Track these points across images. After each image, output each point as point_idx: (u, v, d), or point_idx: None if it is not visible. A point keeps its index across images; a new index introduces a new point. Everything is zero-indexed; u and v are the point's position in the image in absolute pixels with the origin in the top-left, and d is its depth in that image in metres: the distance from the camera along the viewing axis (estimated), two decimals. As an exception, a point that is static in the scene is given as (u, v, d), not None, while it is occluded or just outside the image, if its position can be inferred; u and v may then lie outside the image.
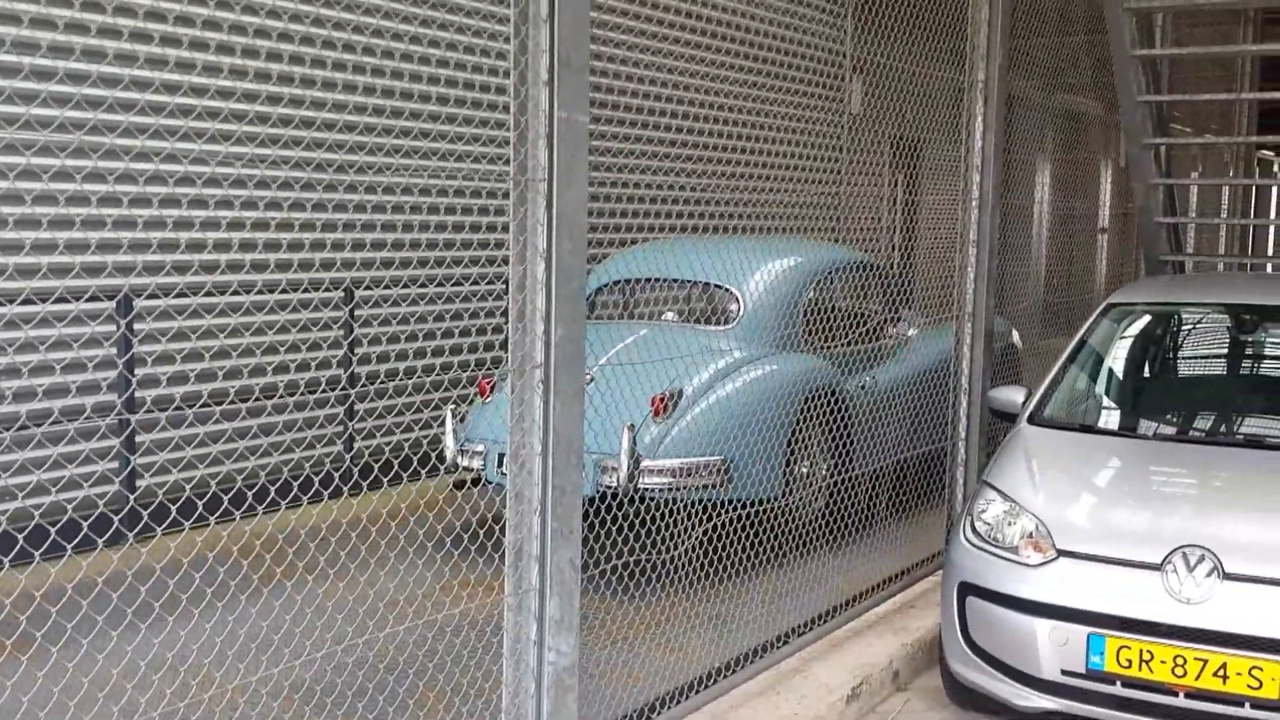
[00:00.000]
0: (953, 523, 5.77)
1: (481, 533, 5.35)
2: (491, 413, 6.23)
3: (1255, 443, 4.97)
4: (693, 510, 5.54)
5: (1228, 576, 3.92)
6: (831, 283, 7.34)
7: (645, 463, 5.78)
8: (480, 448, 6.19)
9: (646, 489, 5.75)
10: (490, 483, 6.18)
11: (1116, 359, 5.61)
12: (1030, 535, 4.31)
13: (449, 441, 6.22)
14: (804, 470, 6.42)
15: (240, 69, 6.91)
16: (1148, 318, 5.81)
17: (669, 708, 4.15)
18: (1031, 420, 5.11)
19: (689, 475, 5.90)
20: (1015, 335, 8.61)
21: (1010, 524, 4.39)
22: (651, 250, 7.58)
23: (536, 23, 3.14)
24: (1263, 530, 4.20)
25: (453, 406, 6.47)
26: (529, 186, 3.20)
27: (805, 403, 6.38)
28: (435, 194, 8.25)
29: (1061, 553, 4.21)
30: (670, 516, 5.14)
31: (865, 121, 11.54)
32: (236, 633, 4.38)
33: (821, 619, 5.12)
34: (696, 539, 5.40)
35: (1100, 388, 5.52)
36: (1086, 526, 4.37)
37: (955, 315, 6.06)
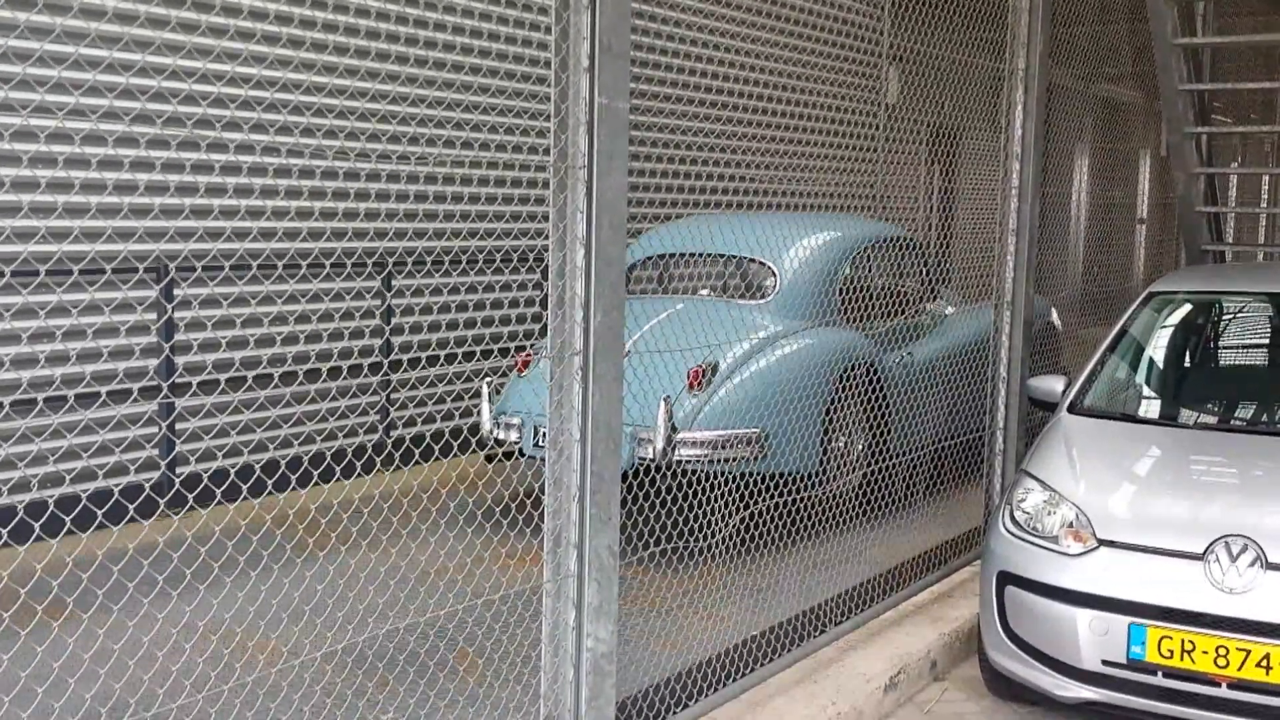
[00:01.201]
0: (991, 512, 5.75)
1: (521, 513, 5.37)
2: (528, 386, 6.27)
3: (1299, 433, 4.93)
4: (730, 489, 5.53)
5: (1271, 566, 3.89)
6: (868, 257, 7.31)
7: (681, 435, 5.80)
8: (517, 420, 6.23)
9: (682, 461, 5.76)
10: (527, 455, 6.22)
11: (1158, 348, 5.56)
12: (1070, 524, 4.29)
13: (485, 414, 6.27)
14: (840, 445, 6.41)
15: (286, 59, 6.97)
16: (1189, 306, 5.76)
17: (705, 695, 4.16)
18: (1071, 409, 5.08)
19: (725, 447, 5.92)
20: (1055, 315, 8.53)
21: (1050, 513, 4.37)
22: (688, 225, 7.59)
23: (578, 9, 3.15)
24: (1306, 520, 4.16)
25: (489, 380, 6.51)
26: (569, 173, 3.21)
27: (842, 377, 6.37)
28: (476, 183, 8.28)
29: (1102, 542, 4.19)
30: (708, 498, 5.14)
31: (902, 110, 11.49)
32: (278, 613, 4.42)
33: (857, 600, 5.11)
34: (735, 526, 5.41)
35: (1141, 377, 5.48)
36: (1127, 516, 4.34)
37: (994, 304, 6.04)
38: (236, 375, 6.59)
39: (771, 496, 5.53)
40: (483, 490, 4.80)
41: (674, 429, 5.71)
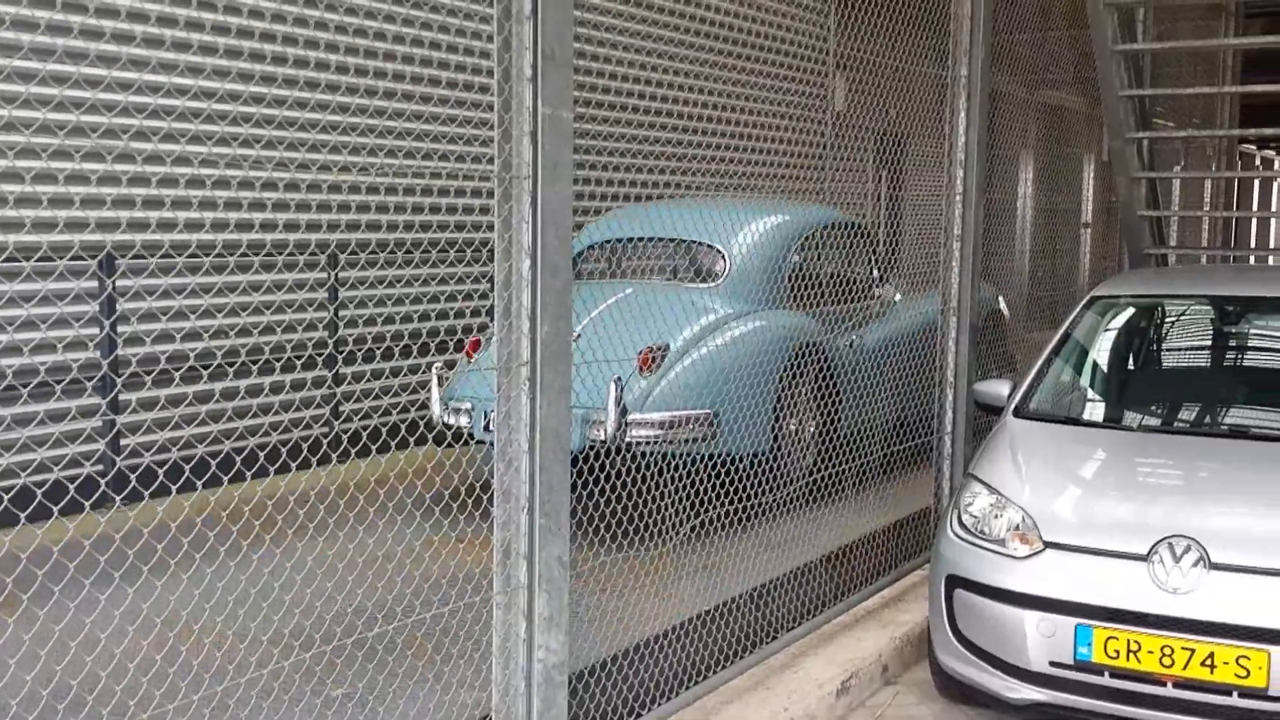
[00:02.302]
0: (940, 516, 5.78)
1: (456, 502, 5.34)
2: (477, 372, 6.26)
3: (1240, 433, 5.00)
4: (683, 472, 5.51)
5: (1214, 566, 3.94)
6: (818, 242, 7.35)
7: (632, 416, 5.79)
8: (467, 405, 6.22)
9: (634, 442, 5.76)
10: (477, 440, 6.20)
11: (1101, 351, 5.63)
12: (1017, 527, 4.32)
13: (435, 400, 6.24)
14: (792, 427, 6.44)
15: (223, 69, 6.90)
16: (1132, 310, 5.83)
17: (659, 704, 4.15)
18: (1017, 413, 5.12)
19: (676, 428, 5.93)
20: (1002, 303, 8.58)
21: (997, 516, 4.40)
22: (637, 210, 7.62)
23: (519, 19, 3.13)
24: (1249, 520, 4.22)
25: (439, 366, 6.49)
26: (513, 183, 3.20)
27: (792, 359, 6.40)
28: (420, 193, 8.24)
29: (1048, 544, 4.23)
30: (660, 481, 5.11)
31: (849, 117, 11.55)
32: (201, 603, 4.36)
33: (809, 605, 5.13)
34: (689, 530, 5.41)
35: (1085, 380, 5.54)
36: (1073, 518, 4.38)
37: (940, 310, 6.08)
38: (180, 367, 6.52)
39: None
40: (416, 485, 4.78)
41: (625, 410, 5.71)
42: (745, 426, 6.07)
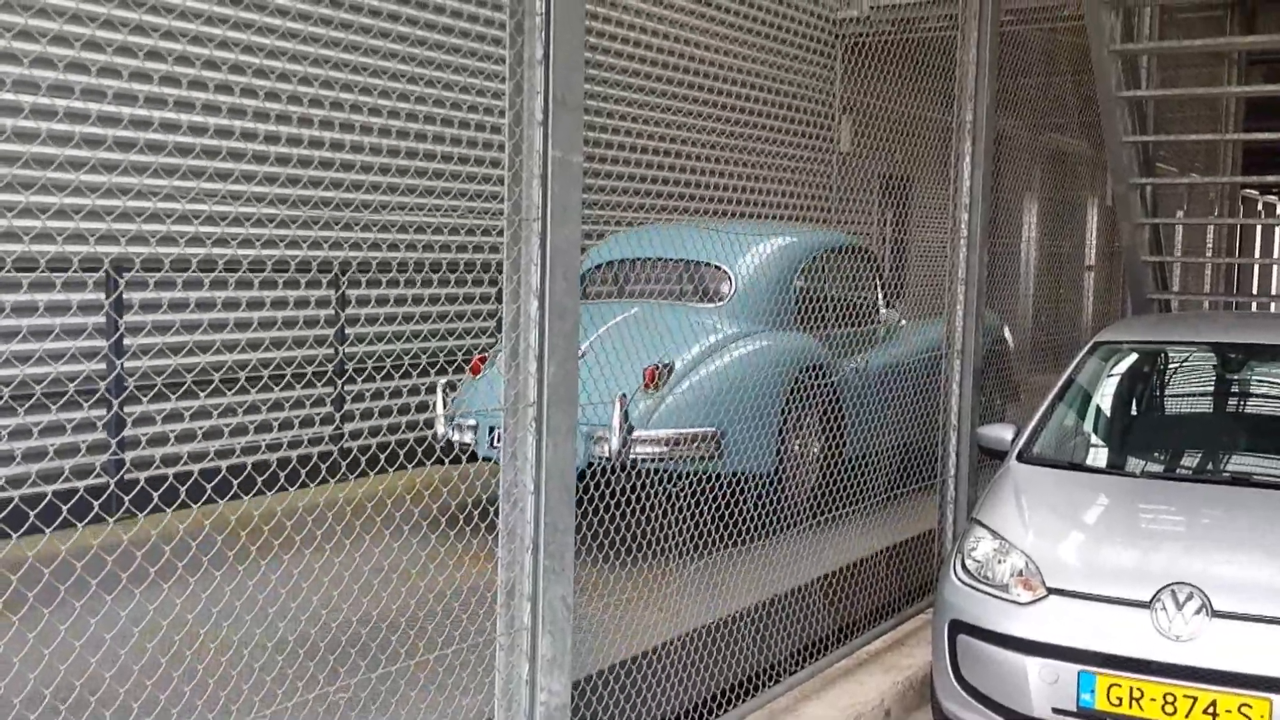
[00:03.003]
0: (943, 560, 5.78)
1: (468, 521, 5.33)
2: (483, 389, 6.27)
3: (1243, 480, 5.00)
4: (688, 490, 5.50)
5: (1216, 614, 3.94)
6: (823, 264, 7.38)
7: (637, 433, 5.80)
8: (472, 422, 6.23)
9: (638, 459, 5.76)
10: (482, 457, 6.21)
11: (1104, 397, 5.64)
12: (1020, 573, 4.33)
13: (439, 417, 6.25)
14: (796, 448, 6.44)
15: (238, 108, 6.96)
16: (1135, 356, 5.85)
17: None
18: (1020, 458, 5.13)
19: (681, 445, 5.93)
20: (1007, 331, 8.58)
21: (1000, 562, 4.41)
22: (644, 231, 7.66)
23: (531, 65, 3.18)
24: (1251, 568, 4.22)
25: (443, 383, 6.50)
26: (523, 225, 3.23)
27: (796, 380, 6.41)
28: (430, 231, 8.30)
29: (1051, 590, 4.23)
30: (664, 499, 5.08)
31: (855, 160, 11.63)
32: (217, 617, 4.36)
33: (812, 648, 5.12)
34: (698, 560, 5.40)
35: (1089, 425, 5.54)
36: (1076, 564, 4.38)
37: (944, 353, 6.10)
38: (193, 381, 6.55)
39: (727, 485, 5.48)
40: (430, 501, 4.78)
41: (630, 427, 5.72)
42: (750, 445, 6.08)
